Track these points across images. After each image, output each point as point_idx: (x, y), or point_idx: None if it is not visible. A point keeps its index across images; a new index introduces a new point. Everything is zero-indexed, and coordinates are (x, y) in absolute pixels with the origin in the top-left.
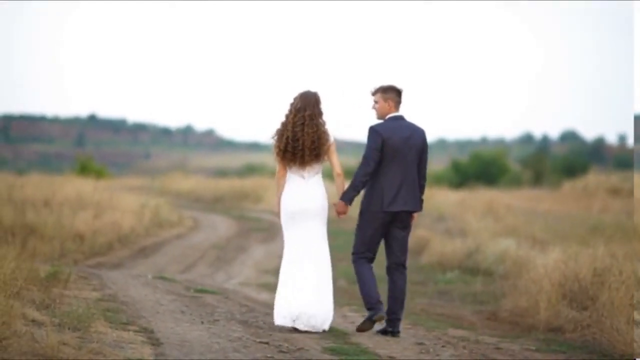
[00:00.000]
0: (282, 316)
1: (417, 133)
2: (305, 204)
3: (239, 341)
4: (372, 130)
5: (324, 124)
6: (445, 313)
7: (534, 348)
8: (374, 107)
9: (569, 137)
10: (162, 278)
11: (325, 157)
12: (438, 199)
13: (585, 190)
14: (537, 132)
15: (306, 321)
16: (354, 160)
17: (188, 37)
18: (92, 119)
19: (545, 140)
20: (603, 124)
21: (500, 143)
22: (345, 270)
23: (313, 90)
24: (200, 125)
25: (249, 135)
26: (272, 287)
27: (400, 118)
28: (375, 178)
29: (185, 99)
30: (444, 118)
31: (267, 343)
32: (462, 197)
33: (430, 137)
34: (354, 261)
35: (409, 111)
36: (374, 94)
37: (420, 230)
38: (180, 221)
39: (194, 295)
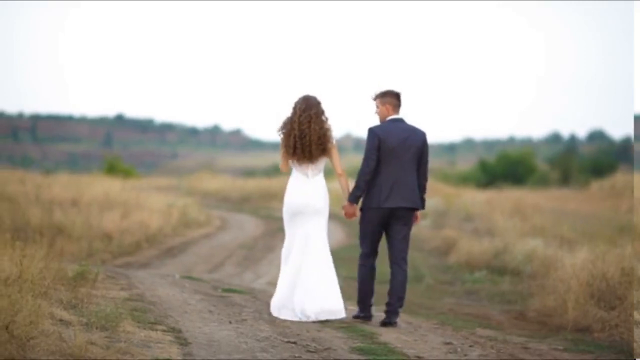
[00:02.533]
0: (277, 308)
1: (416, 135)
2: (308, 200)
3: (266, 341)
4: (370, 132)
5: (327, 120)
6: (473, 313)
7: (561, 348)
8: (376, 112)
9: (597, 136)
10: (190, 278)
11: (328, 157)
12: (465, 198)
13: (613, 189)
14: (565, 132)
15: (316, 314)
16: None
17: (216, 37)
18: (120, 118)
19: (572, 139)
20: (631, 124)
21: (528, 142)
22: None
23: (312, 94)
24: (227, 125)
25: (276, 135)
26: None
27: (399, 120)
28: (374, 177)
29: (212, 98)
30: (471, 118)
31: (294, 343)
32: (490, 197)
33: (458, 137)
34: (360, 260)
35: (437, 111)
36: (374, 99)
37: (447, 230)
38: (207, 221)
39: (222, 295)
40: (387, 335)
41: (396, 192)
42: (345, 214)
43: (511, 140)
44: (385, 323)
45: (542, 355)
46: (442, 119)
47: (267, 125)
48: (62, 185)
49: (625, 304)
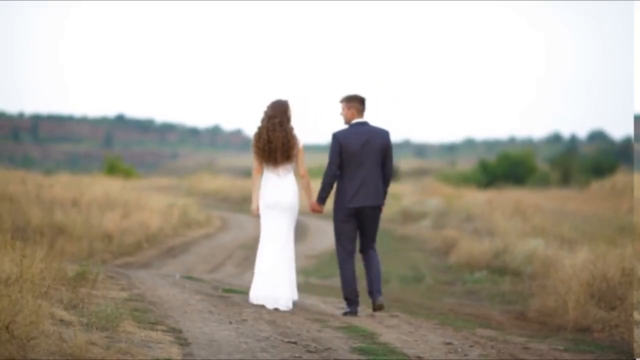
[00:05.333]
0: (254, 296)
1: (378, 136)
2: (280, 198)
3: (267, 341)
4: (333, 137)
5: (292, 129)
6: (473, 313)
7: (562, 348)
8: (341, 114)
9: (597, 136)
10: (190, 278)
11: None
12: (466, 198)
13: (614, 190)
14: (565, 132)
15: (271, 302)
16: None
17: (216, 37)
18: (120, 119)
19: (573, 140)
20: (631, 124)
21: (528, 143)
22: None
23: (284, 99)
24: (228, 125)
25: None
26: (299, 287)
27: (363, 124)
28: (340, 179)
29: (213, 99)
30: (472, 118)
31: (295, 343)
32: (490, 197)
33: (458, 137)
34: (337, 256)
35: (438, 112)
36: (340, 102)
37: (448, 230)
38: (208, 221)
39: (222, 295)
40: (388, 336)
41: (362, 193)
42: (312, 210)
43: (512, 141)
44: (374, 304)
45: (543, 355)
46: (442, 119)
47: None
48: (62, 185)
49: (625, 304)
